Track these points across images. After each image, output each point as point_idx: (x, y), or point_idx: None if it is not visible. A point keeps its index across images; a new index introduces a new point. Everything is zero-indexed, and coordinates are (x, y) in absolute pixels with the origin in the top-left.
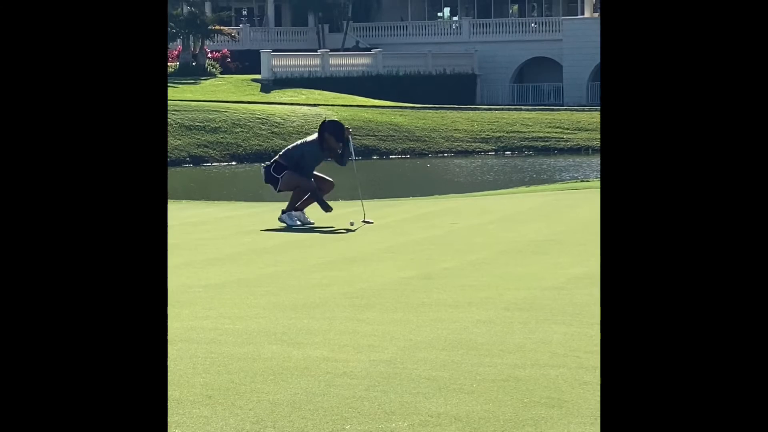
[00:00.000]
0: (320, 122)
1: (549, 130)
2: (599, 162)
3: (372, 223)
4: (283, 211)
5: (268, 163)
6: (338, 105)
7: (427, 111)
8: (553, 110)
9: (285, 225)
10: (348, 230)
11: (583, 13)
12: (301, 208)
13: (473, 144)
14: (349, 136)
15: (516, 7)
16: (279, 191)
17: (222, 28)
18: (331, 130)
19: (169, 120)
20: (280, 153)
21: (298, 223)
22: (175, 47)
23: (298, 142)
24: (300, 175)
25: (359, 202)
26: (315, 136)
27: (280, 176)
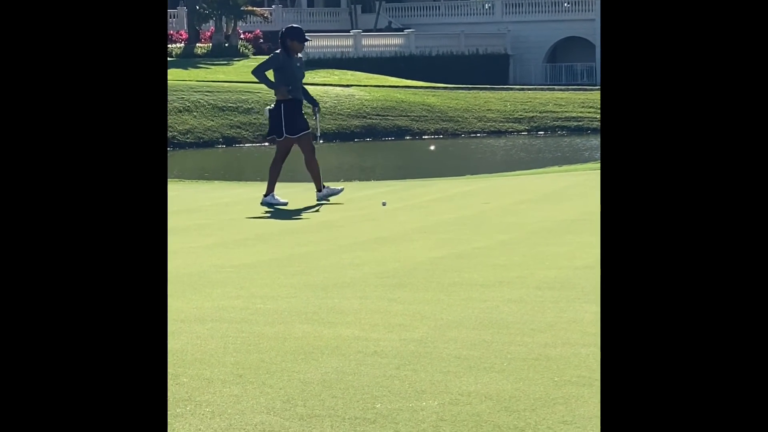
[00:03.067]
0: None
1: (582, 110)
2: None
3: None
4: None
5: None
6: (371, 85)
7: (460, 91)
8: (586, 90)
9: (319, 204)
10: (377, 210)
11: None
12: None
13: (506, 124)
14: (317, 114)
15: None
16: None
17: (254, 9)
18: (291, 35)
19: (202, 101)
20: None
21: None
22: (207, 28)
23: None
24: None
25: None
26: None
27: (284, 132)
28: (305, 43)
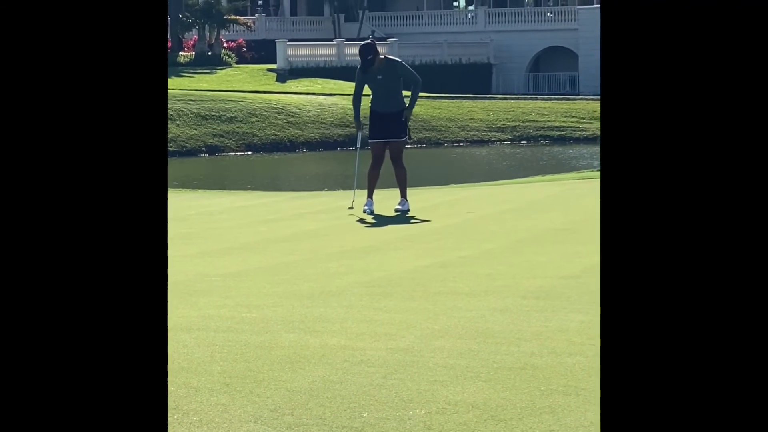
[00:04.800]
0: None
1: (565, 119)
2: None
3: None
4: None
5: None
6: None
7: (443, 100)
8: (568, 100)
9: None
10: (362, 219)
11: (598, 2)
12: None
13: (489, 133)
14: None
15: None
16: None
17: (237, 17)
18: (359, 52)
19: (185, 110)
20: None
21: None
22: (190, 37)
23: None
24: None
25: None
26: None
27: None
28: (367, 58)
